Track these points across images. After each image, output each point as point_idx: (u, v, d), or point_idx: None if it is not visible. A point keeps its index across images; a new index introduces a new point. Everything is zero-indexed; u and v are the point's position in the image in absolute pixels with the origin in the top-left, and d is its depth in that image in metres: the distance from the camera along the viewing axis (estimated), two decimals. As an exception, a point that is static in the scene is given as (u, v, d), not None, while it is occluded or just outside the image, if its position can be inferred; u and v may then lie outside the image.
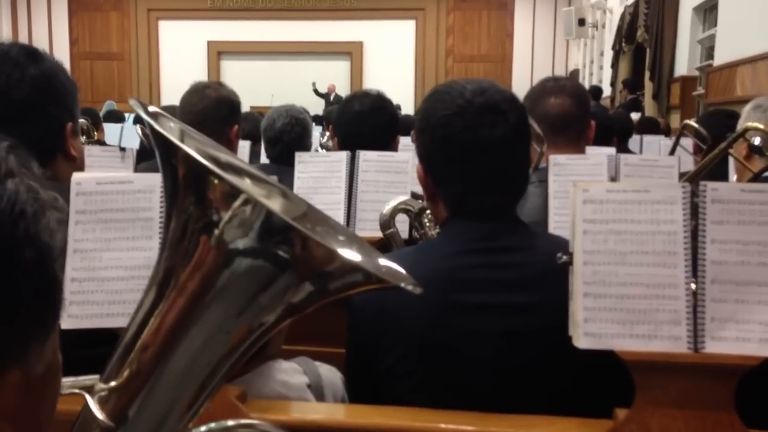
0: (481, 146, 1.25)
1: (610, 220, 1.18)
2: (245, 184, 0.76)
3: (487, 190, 1.27)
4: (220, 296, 0.64)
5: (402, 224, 1.83)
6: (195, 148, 0.74)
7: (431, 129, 1.28)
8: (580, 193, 1.20)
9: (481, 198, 1.27)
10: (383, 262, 0.71)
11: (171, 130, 0.72)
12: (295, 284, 0.63)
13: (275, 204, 0.76)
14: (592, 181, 1.31)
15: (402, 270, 0.72)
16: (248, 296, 0.64)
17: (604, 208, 1.18)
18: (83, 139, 3.35)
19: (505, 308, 1.22)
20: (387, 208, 1.72)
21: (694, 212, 1.16)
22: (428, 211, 1.62)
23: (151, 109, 0.72)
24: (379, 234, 2.03)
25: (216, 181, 0.62)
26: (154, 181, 1.25)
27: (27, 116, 1.29)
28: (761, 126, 2.06)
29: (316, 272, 0.63)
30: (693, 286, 1.14)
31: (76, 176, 1.25)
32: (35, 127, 1.30)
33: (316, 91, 15.03)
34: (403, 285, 0.66)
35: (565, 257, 1.18)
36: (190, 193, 0.65)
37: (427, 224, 1.64)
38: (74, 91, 1.41)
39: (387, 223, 1.72)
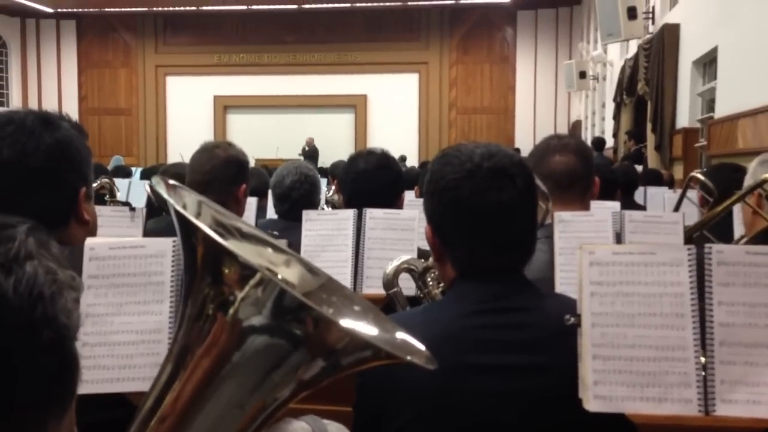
0: (490, 209, 1.27)
1: (616, 282, 1.19)
2: (264, 257, 0.78)
3: (496, 252, 1.29)
4: (234, 372, 0.66)
5: (406, 281, 1.83)
6: (213, 219, 0.76)
7: (440, 192, 1.31)
8: (586, 255, 1.21)
9: (489, 259, 1.29)
10: (399, 335, 0.72)
11: (190, 204, 0.74)
12: (308, 361, 0.64)
13: (294, 275, 0.78)
14: (597, 243, 1.32)
15: (419, 345, 0.73)
16: (262, 373, 0.65)
17: (610, 270, 1.20)
18: (107, 197, 3.39)
19: (515, 369, 1.22)
20: (390, 267, 1.73)
21: (701, 273, 1.17)
22: (432, 271, 1.63)
23: (171, 182, 0.75)
24: (386, 292, 2.04)
25: (234, 261, 0.64)
26: (166, 245, 1.27)
27: (42, 184, 1.31)
28: None
29: (328, 349, 0.64)
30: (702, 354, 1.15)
31: (89, 242, 1.27)
32: (50, 195, 1.32)
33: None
34: (416, 361, 0.67)
35: (573, 319, 1.19)
36: (208, 273, 0.67)
37: (431, 283, 1.65)
38: (88, 155, 1.43)
39: (390, 282, 1.72)
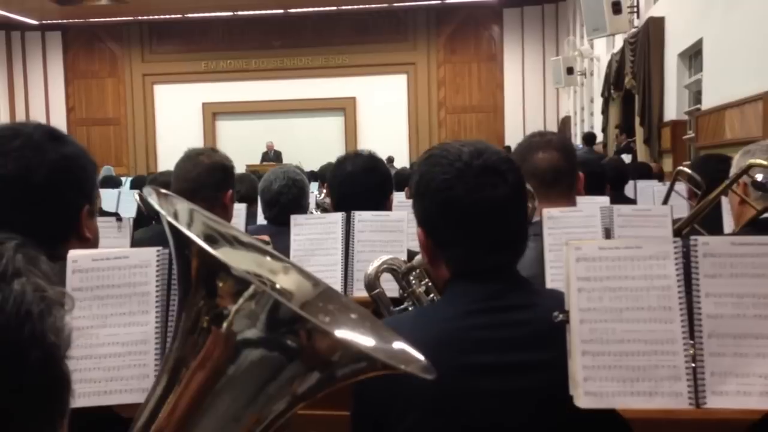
0: (485, 208, 1.26)
1: (603, 277, 1.19)
2: (264, 266, 0.78)
3: (491, 250, 1.27)
4: (229, 386, 0.66)
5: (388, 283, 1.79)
6: (209, 228, 0.76)
7: (431, 193, 1.29)
8: (572, 251, 1.21)
9: (484, 258, 1.27)
10: (397, 344, 0.72)
11: (182, 213, 0.74)
12: (303, 373, 0.64)
13: (292, 284, 0.78)
14: (584, 239, 1.32)
15: (417, 354, 0.72)
16: (257, 386, 0.65)
17: (597, 265, 1.19)
18: None
19: (516, 368, 1.21)
20: (371, 268, 1.69)
21: (687, 266, 1.17)
22: (415, 269, 1.61)
23: (163, 191, 0.75)
24: (377, 295, 2.02)
25: (228, 274, 0.64)
26: (150, 255, 1.26)
27: (44, 200, 1.30)
28: (765, 162, 2.06)
29: (323, 361, 0.64)
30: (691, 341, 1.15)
31: (72, 254, 1.25)
32: (51, 211, 1.31)
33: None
34: (413, 371, 0.67)
35: (561, 316, 1.19)
36: (202, 285, 0.67)
37: (413, 281, 1.62)
38: (93, 173, 1.43)
39: (372, 283, 1.69)
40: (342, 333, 0.71)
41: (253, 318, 0.63)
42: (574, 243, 1.22)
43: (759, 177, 2.06)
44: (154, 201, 0.71)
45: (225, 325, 0.65)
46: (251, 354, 0.65)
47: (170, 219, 0.67)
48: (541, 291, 1.34)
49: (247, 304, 0.63)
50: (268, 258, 0.80)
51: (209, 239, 0.76)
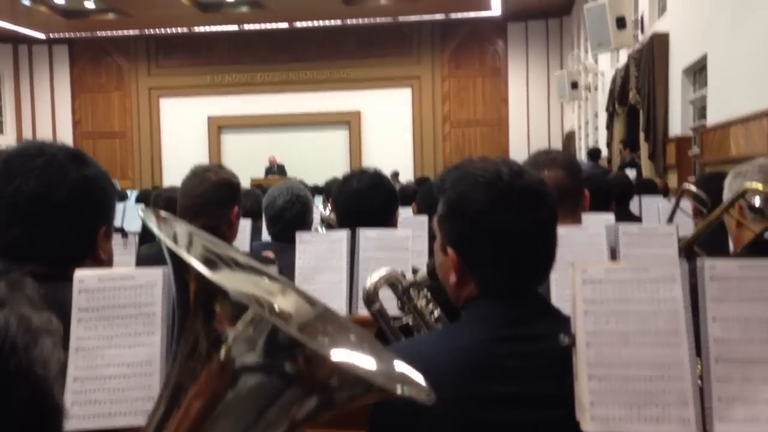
0: (529, 230, 1.24)
1: (610, 300, 1.18)
2: (261, 287, 0.78)
3: (526, 272, 1.26)
4: (228, 411, 0.65)
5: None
6: (206, 250, 0.76)
7: (472, 215, 1.25)
8: (579, 273, 1.20)
9: (520, 280, 1.26)
10: (398, 366, 0.72)
11: (181, 236, 0.74)
12: (301, 398, 0.64)
13: (290, 305, 0.78)
14: (590, 261, 1.31)
15: (418, 377, 0.72)
16: (256, 411, 0.65)
17: (603, 288, 1.19)
18: None
19: (538, 399, 1.19)
20: (369, 283, 1.61)
21: (694, 289, 1.17)
22: (418, 285, 1.57)
23: (162, 214, 0.75)
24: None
25: (226, 299, 0.64)
26: (156, 275, 1.26)
27: (63, 219, 1.32)
28: (760, 186, 2.06)
29: (321, 386, 0.64)
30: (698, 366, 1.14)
31: (78, 273, 1.26)
32: (69, 231, 1.33)
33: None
34: (413, 395, 0.67)
35: (567, 339, 1.18)
36: (200, 310, 0.67)
37: (413, 294, 1.58)
38: (113, 195, 1.45)
39: (371, 298, 1.60)
40: (340, 356, 0.71)
41: (251, 343, 0.64)
42: (581, 264, 1.21)
43: (756, 202, 2.05)
44: (153, 225, 0.71)
45: (223, 350, 0.65)
46: (250, 379, 0.65)
47: (169, 243, 0.68)
48: (567, 318, 1.31)
49: (245, 330, 0.63)
50: (266, 280, 0.81)
51: (208, 263, 0.76)
